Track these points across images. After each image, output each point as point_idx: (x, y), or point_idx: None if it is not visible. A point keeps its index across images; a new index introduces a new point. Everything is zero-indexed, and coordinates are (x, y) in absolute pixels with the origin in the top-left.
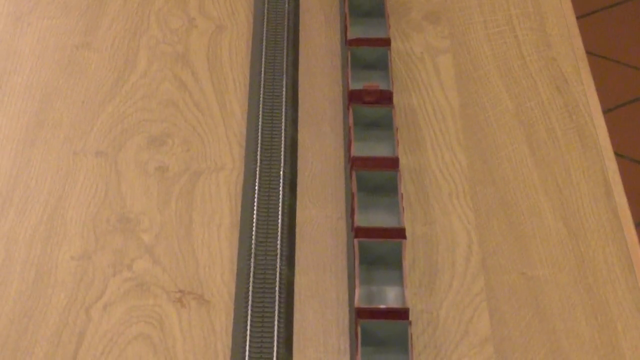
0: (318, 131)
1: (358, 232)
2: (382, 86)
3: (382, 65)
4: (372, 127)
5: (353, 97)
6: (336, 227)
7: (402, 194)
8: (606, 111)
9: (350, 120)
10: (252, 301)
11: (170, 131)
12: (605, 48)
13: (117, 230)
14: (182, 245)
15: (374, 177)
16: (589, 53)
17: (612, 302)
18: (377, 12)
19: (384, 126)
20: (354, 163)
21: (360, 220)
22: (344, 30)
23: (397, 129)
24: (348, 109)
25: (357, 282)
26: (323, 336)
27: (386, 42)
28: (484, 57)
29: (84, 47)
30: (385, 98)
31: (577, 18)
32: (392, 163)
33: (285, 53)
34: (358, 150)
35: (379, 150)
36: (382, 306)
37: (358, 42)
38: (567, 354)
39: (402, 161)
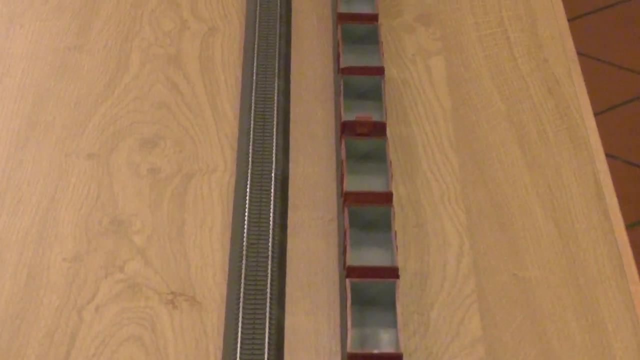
0: (310, 133)
1: (350, 271)
2: (375, 117)
3: (375, 95)
4: (365, 160)
5: (345, 129)
6: (327, 229)
7: (395, 232)
8: (599, 113)
9: (343, 153)
10: (244, 303)
11: (162, 133)
12: (597, 50)
13: (109, 232)
14: (174, 247)
15: (367, 212)
16: (580, 54)
17: (603, 303)
18: (371, 39)
19: (378, 158)
20: (346, 198)
21: (353, 259)
22: (337, 58)
23: (390, 162)
24: (340, 140)
25: (349, 324)
26: (314, 338)
27: (380, 71)
28: (475, 58)
29: (76, 49)
30: (378, 130)
31: (569, 20)
32: (386, 198)
33: (277, 55)
34: (351, 185)
35: (373, 183)
36: (376, 351)
37: (351, 70)
38: (558, 355)
39: (394, 162)
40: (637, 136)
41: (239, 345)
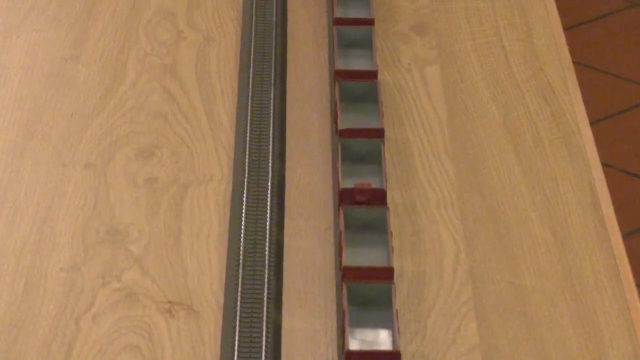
0: (306, 142)
1: (349, 357)
2: (375, 182)
3: (375, 158)
4: (365, 230)
5: (344, 197)
6: (324, 237)
7: (397, 310)
8: (595, 121)
9: (341, 224)
10: (241, 311)
11: (158, 143)
12: (593, 59)
13: (106, 242)
14: (170, 256)
15: (367, 288)
16: (576, 63)
17: (599, 311)
18: (370, 98)
19: (378, 229)
20: (345, 274)
21: (352, 343)
22: (335, 119)
23: (391, 234)
24: (338, 209)
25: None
26: (311, 346)
27: (379, 133)
28: (471, 67)
29: (72, 59)
30: (378, 197)
31: (565, 29)
32: (386, 274)
33: (273, 64)
34: (350, 259)
35: (373, 256)
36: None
37: (350, 132)
38: None
39: (390, 170)
40: (633, 145)
41: (236, 353)
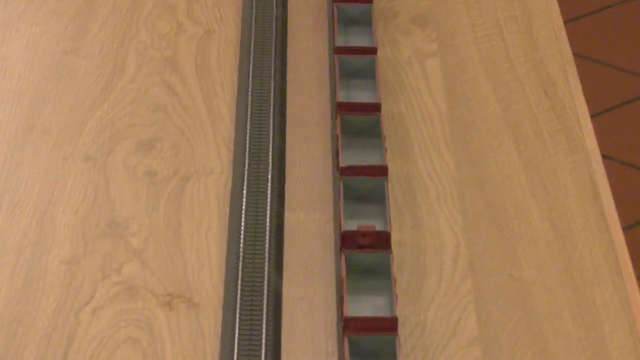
0: (306, 135)
1: None
2: (379, 224)
3: (378, 198)
4: (367, 275)
5: (346, 240)
6: (324, 230)
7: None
8: (595, 114)
9: (343, 271)
10: (241, 304)
11: (158, 136)
12: (593, 51)
13: (106, 235)
14: (170, 249)
15: (369, 341)
16: (576, 56)
17: (599, 304)
18: (374, 132)
19: (381, 273)
20: (346, 325)
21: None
22: (336, 155)
23: (395, 280)
24: (340, 254)
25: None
26: (311, 339)
27: (383, 171)
28: (471, 60)
29: (72, 52)
30: (382, 240)
31: (565, 22)
32: (390, 325)
33: (273, 57)
34: (352, 308)
35: (376, 303)
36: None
37: (352, 170)
38: (555, 355)
39: (389, 164)
40: (633, 137)
41: (236, 347)
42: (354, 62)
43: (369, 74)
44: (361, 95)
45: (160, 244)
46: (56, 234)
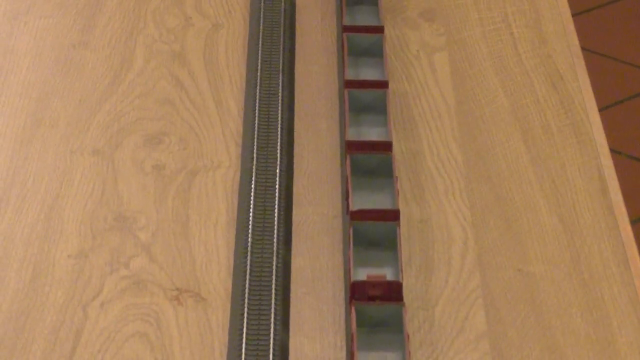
0: (314, 129)
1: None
2: (389, 273)
3: (390, 244)
4: (379, 327)
5: (356, 291)
6: (332, 224)
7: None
8: (603, 108)
9: (353, 324)
10: (249, 298)
11: (166, 129)
12: (602, 45)
13: (114, 229)
14: (178, 243)
15: None
16: (584, 50)
17: (608, 298)
18: (384, 172)
19: (393, 327)
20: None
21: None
22: (346, 196)
23: (408, 336)
24: (350, 304)
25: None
26: (319, 333)
27: (395, 215)
28: (479, 54)
29: (80, 46)
30: (394, 292)
31: (573, 15)
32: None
33: (281, 51)
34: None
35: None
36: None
37: (362, 214)
38: (563, 350)
39: (398, 157)
40: None
41: (244, 341)
42: (364, 96)
43: (380, 109)
44: (371, 132)
45: (169, 238)
46: (64, 228)
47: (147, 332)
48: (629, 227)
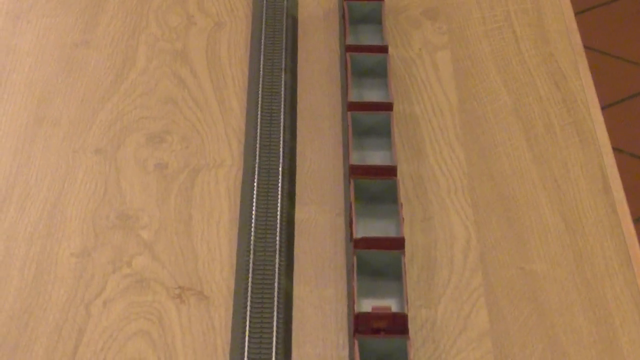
0: (317, 128)
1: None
2: (394, 304)
3: (394, 273)
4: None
5: (360, 323)
6: (334, 223)
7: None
8: (606, 106)
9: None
10: (251, 297)
11: (169, 128)
12: (604, 43)
13: (117, 227)
14: (181, 242)
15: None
16: (587, 48)
17: (610, 297)
18: (380, 73)
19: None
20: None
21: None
22: (350, 223)
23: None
24: (353, 337)
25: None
26: (322, 331)
27: (399, 244)
28: (482, 53)
29: (83, 44)
30: (398, 325)
31: (576, 14)
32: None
33: (283, 49)
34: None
35: None
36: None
37: (367, 242)
38: (565, 349)
39: (400, 156)
40: None
41: (246, 339)
42: (365, 60)
43: (381, 73)
44: (375, 156)
45: (171, 236)
46: (67, 226)
47: (149, 330)
48: (631, 226)
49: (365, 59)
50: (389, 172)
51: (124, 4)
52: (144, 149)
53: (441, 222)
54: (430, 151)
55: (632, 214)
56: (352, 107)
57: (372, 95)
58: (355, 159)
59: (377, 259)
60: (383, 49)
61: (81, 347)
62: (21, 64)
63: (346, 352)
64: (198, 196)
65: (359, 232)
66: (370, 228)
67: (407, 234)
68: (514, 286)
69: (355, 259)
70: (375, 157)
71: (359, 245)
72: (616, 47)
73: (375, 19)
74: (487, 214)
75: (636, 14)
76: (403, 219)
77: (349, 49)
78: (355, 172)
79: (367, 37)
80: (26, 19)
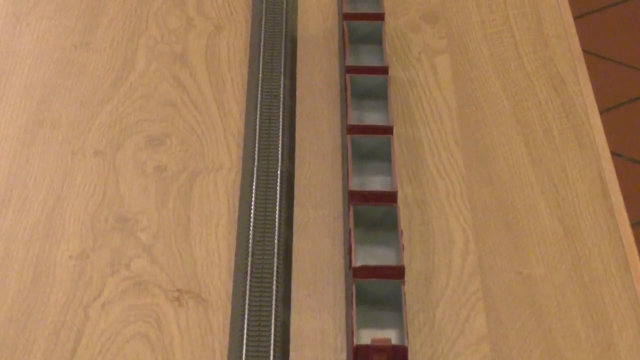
0: (316, 131)
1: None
2: (394, 335)
3: (394, 304)
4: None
5: (359, 356)
6: (333, 226)
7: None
8: (604, 111)
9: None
10: (250, 300)
11: (168, 131)
12: (603, 48)
13: (115, 230)
14: (179, 245)
15: None
16: (586, 52)
17: (608, 302)
18: (380, 95)
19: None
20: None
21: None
22: (349, 252)
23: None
24: (352, 289)
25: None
26: (320, 335)
27: (399, 274)
28: (481, 57)
29: (82, 47)
30: (399, 356)
31: (575, 18)
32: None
33: (283, 53)
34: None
35: None
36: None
37: (365, 272)
38: (563, 353)
39: (399, 159)
40: None
41: (244, 342)
42: (365, 82)
43: (381, 95)
44: (375, 181)
45: (170, 239)
46: (65, 228)
47: (148, 333)
48: (629, 230)
49: (365, 81)
50: (390, 198)
51: (124, 7)
52: (143, 151)
53: (439, 226)
54: (429, 155)
55: (631, 218)
56: (352, 130)
57: (373, 118)
58: (355, 184)
59: (376, 288)
60: (383, 70)
61: (79, 349)
62: (21, 66)
63: (344, 356)
64: (197, 199)
65: (359, 260)
66: (369, 255)
67: (405, 237)
68: (512, 290)
69: (354, 287)
70: (375, 182)
71: (358, 274)
72: (615, 51)
73: (375, 39)
74: (486, 218)
75: (635, 19)
76: (403, 246)
77: (349, 70)
78: (355, 198)
79: (367, 58)
80: (26, 21)
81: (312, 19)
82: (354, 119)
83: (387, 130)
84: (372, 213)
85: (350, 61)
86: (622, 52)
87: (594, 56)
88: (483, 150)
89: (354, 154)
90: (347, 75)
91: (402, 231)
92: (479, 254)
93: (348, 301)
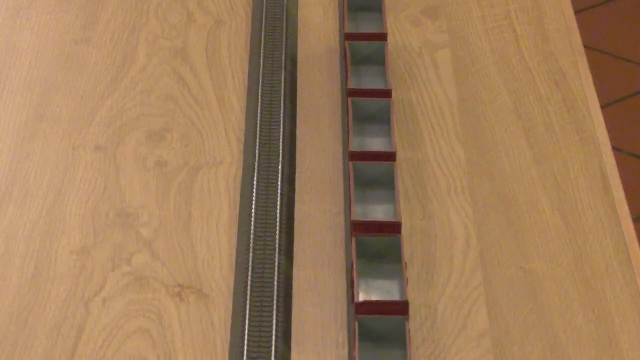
0: (316, 125)
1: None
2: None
3: (396, 337)
4: None
5: None
6: (334, 221)
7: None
8: (605, 105)
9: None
10: (251, 295)
11: (169, 126)
12: (604, 42)
13: (116, 225)
14: (180, 240)
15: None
16: (587, 47)
17: (610, 296)
18: (383, 119)
19: None
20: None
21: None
22: (350, 279)
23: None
24: (355, 325)
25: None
26: (321, 330)
27: (403, 309)
28: (482, 51)
29: (83, 41)
30: None
31: (576, 12)
32: None
33: (283, 47)
34: None
35: None
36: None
37: (368, 307)
38: (565, 348)
39: (400, 155)
40: None
41: (246, 337)
42: (368, 105)
43: (383, 119)
44: (378, 210)
45: (171, 234)
46: (66, 223)
47: (149, 328)
48: (631, 225)
49: (367, 104)
50: (393, 228)
51: (124, 1)
52: (143, 146)
53: (441, 221)
54: (430, 150)
55: (632, 213)
56: (354, 157)
57: (375, 143)
58: (358, 212)
59: (379, 325)
60: (387, 94)
61: (80, 344)
62: (21, 61)
63: (345, 351)
64: (198, 194)
65: (361, 294)
66: (372, 288)
67: (407, 232)
68: (513, 285)
69: (356, 324)
70: (379, 212)
71: (360, 309)
72: (616, 46)
73: (378, 60)
74: (487, 213)
75: (636, 13)
76: (407, 279)
77: (351, 93)
78: (358, 229)
79: (370, 80)
80: (26, 16)
81: (313, 11)
82: (354, 144)
83: (390, 157)
84: (375, 244)
85: (352, 83)
86: (624, 47)
87: (595, 51)
88: (484, 144)
89: (357, 181)
90: (349, 99)
91: (406, 263)
92: (481, 249)
93: (350, 336)
